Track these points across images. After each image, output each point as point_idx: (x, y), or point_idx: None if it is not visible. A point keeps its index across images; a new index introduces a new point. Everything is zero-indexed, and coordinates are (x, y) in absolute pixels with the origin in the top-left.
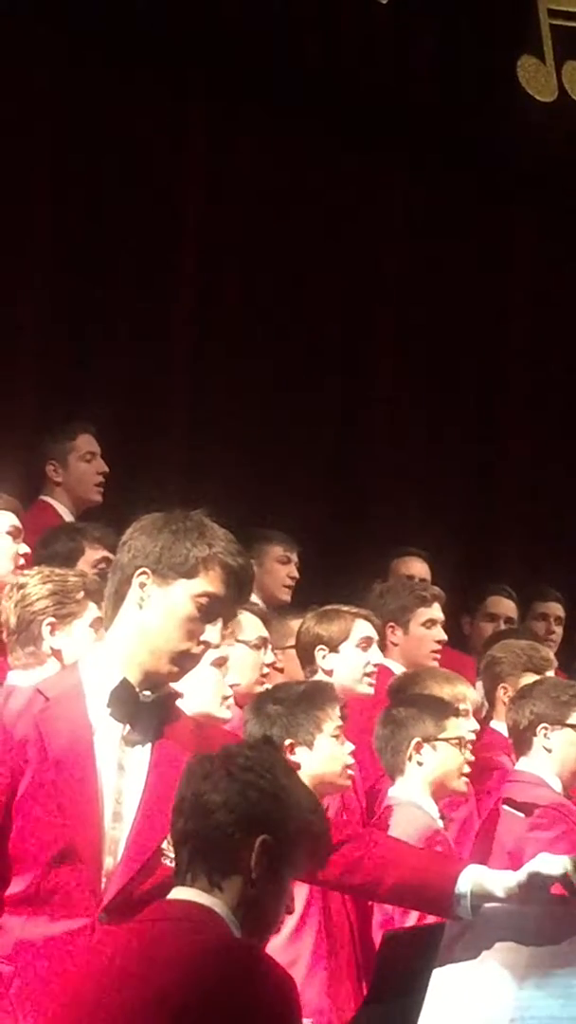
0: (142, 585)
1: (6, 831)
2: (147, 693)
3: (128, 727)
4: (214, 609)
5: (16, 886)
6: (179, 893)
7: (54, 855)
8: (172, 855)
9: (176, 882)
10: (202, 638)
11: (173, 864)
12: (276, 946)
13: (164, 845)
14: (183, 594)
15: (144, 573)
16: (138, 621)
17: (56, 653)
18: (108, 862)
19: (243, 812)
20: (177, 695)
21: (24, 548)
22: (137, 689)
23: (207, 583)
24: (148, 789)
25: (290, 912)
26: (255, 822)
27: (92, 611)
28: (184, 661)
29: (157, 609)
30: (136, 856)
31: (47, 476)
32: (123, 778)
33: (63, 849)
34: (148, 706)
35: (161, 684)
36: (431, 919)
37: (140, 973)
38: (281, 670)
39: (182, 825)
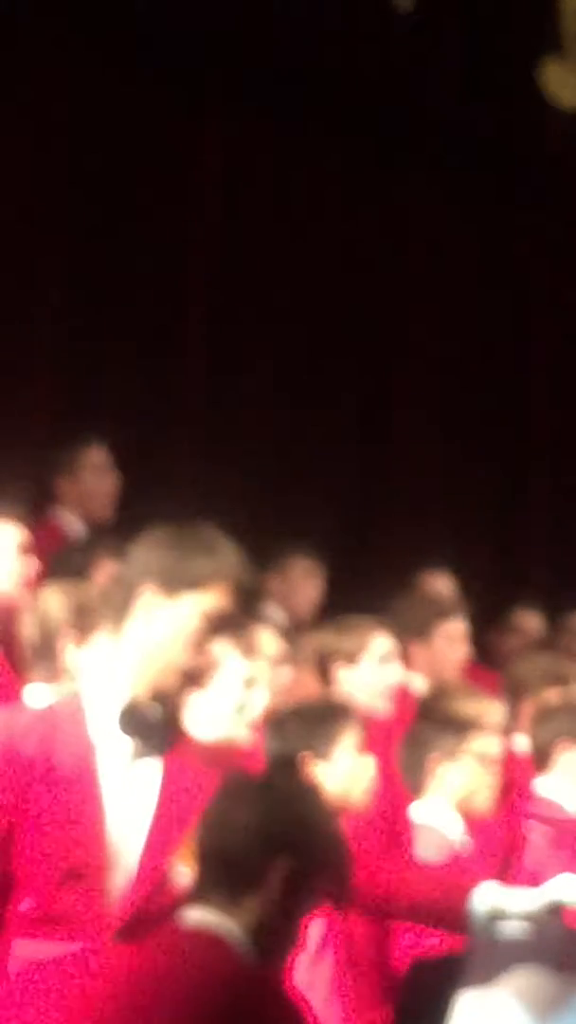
0: (149, 600)
1: (14, 851)
2: (156, 709)
3: (137, 744)
4: (223, 624)
5: (25, 907)
6: (194, 912)
7: (62, 875)
8: (181, 873)
9: (193, 897)
10: (211, 654)
11: (182, 882)
12: (296, 971)
13: (176, 864)
14: (192, 609)
15: (151, 588)
16: (145, 636)
17: (77, 668)
18: (116, 881)
19: (268, 834)
20: (183, 711)
21: (34, 564)
22: (145, 705)
23: (216, 598)
24: (160, 807)
25: (300, 944)
26: (280, 845)
27: None
28: (192, 677)
29: (165, 624)
30: (149, 875)
31: (56, 490)
32: (131, 796)
33: (70, 868)
34: (157, 722)
35: (168, 700)
36: (458, 946)
37: (150, 1001)
38: (301, 686)
39: (206, 839)
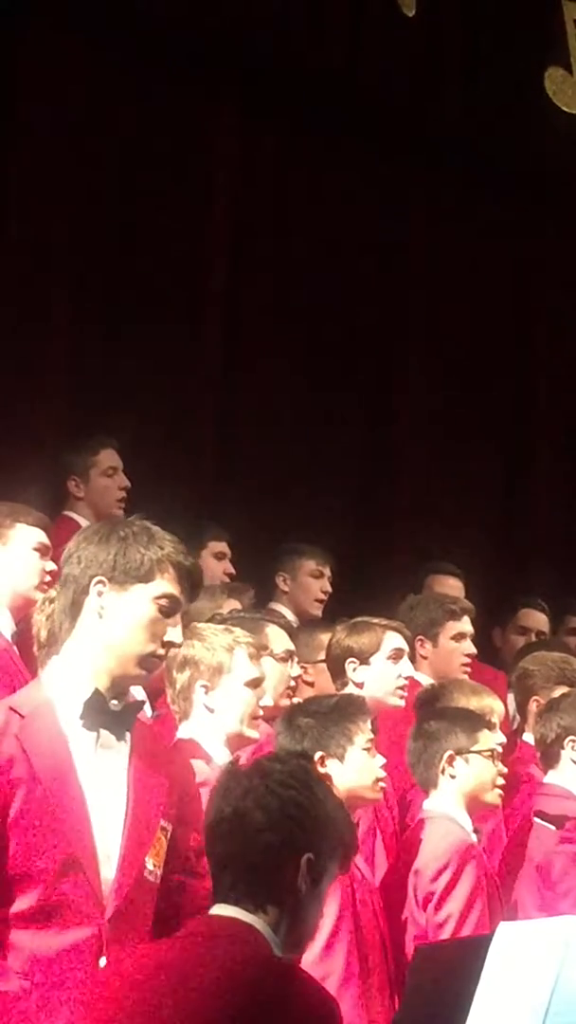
0: (99, 594)
1: (5, 852)
2: (115, 702)
3: (99, 736)
4: (172, 609)
5: (23, 903)
6: (221, 910)
7: (57, 868)
8: (152, 869)
9: (217, 900)
10: (165, 639)
11: (155, 880)
12: (308, 962)
13: (146, 859)
14: (143, 598)
15: (100, 582)
16: (100, 630)
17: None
18: (105, 870)
19: (288, 832)
20: (141, 703)
21: (51, 565)
22: (106, 698)
23: (164, 584)
24: (131, 805)
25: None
26: (299, 841)
27: None
28: (150, 663)
29: (118, 616)
30: (129, 867)
31: (69, 491)
32: (103, 788)
33: (65, 861)
34: (118, 714)
35: (127, 690)
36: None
37: (181, 990)
38: (311, 684)
39: (223, 847)
